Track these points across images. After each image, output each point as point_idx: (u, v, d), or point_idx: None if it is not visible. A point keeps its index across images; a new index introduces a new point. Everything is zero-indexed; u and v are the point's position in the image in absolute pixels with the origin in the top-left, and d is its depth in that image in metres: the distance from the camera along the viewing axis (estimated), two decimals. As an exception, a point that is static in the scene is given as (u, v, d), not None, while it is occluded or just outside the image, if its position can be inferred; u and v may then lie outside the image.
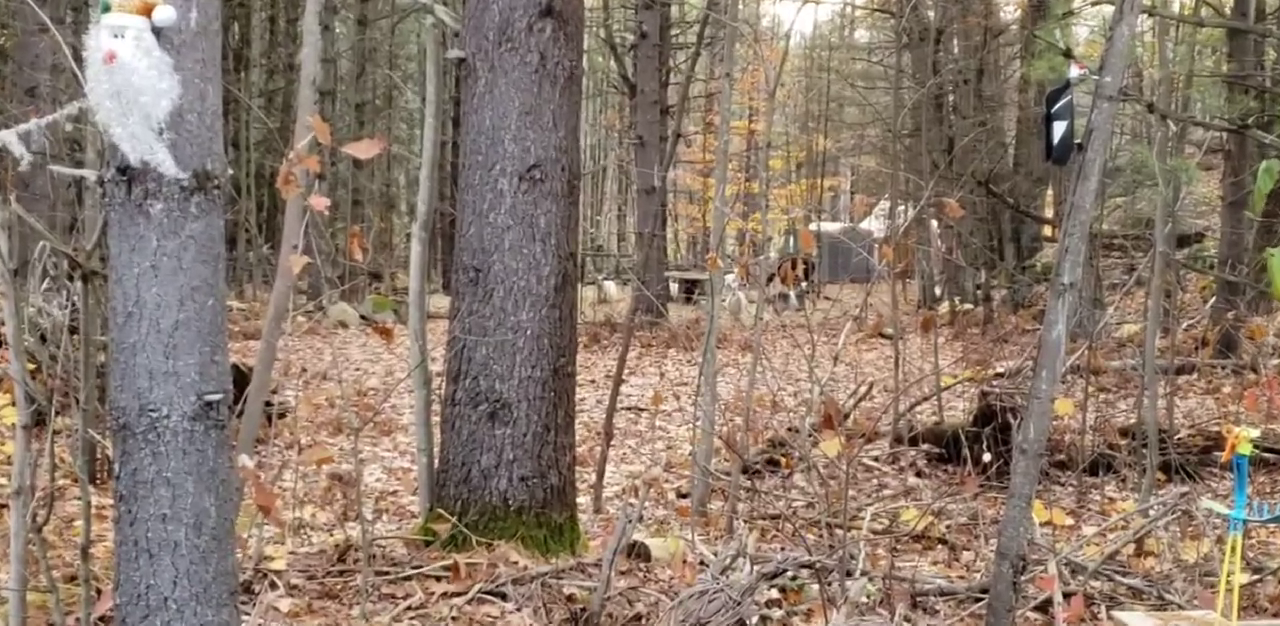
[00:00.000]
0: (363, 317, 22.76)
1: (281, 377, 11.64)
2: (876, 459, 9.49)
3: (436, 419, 6.50)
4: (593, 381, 14.84)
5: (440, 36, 6.59)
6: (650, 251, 20.29)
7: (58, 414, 4.33)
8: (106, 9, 2.71)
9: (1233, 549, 3.95)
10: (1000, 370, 10.84)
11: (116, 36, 2.69)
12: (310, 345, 17.59)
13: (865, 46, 42.17)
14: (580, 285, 8.85)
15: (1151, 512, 6.23)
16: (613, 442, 8.81)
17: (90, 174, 2.93)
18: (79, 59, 2.79)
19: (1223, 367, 14.00)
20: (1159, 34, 11.35)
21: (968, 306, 24.65)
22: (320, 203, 4.11)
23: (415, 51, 36.41)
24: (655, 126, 24.56)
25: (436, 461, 6.35)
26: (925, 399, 10.54)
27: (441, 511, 6.14)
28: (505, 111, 6.11)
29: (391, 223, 34.46)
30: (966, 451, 8.08)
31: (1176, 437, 8.98)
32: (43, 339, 7.72)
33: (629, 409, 12.57)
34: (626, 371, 14.15)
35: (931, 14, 25.18)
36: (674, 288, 31.13)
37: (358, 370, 15.31)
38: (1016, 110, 28.33)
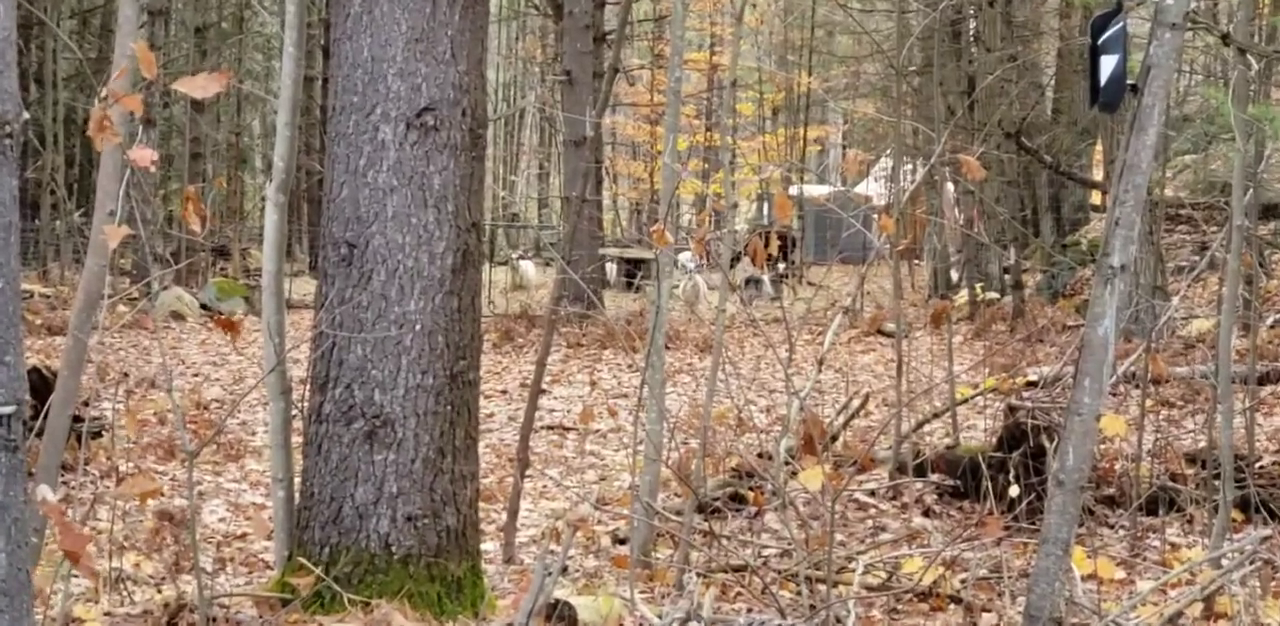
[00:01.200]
0: (203, 307, 22.68)
1: (96, 385, 11.58)
2: (872, 493, 9.55)
3: (298, 440, 6.49)
4: (504, 392, 14.85)
5: (304, -61, 6.58)
6: (580, 222, 20.28)
7: None
8: None
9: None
10: (1033, 378, 10.92)
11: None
12: (134, 343, 17.49)
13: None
14: (488, 265, 8.83)
15: (1225, 562, 6.29)
16: (529, 472, 8.82)
17: None
18: None
19: (1319, 375, 14.15)
20: (1239, -57, 11.44)
21: (992, 295, 24.84)
22: (145, 156, 4.09)
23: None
24: (588, 59, 24.56)
25: (298, 495, 6.34)
26: (936, 415, 10.60)
27: (303, 560, 6.12)
28: (389, 38, 6.10)
29: (242, 183, 34.38)
30: (988, 484, 8.14)
31: (1258, 465, 9.07)
32: None
33: (551, 428, 12.58)
34: (548, 378, 14.14)
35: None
36: (611, 269, 31.18)
37: (196, 376, 15.25)
38: (1056, 41, 28.56)
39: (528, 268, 32.10)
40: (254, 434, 11.54)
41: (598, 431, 12.30)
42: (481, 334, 6.56)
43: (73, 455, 8.37)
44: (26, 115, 2.93)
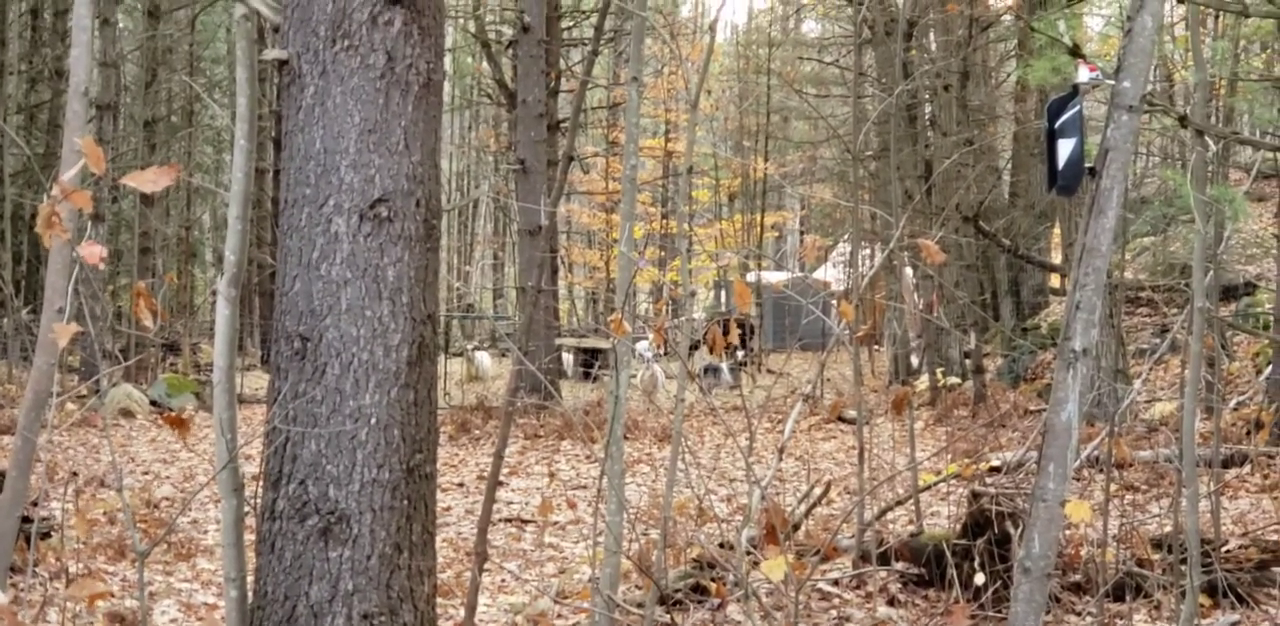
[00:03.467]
0: (153, 404, 22.58)
1: (45, 485, 11.50)
2: (836, 582, 9.53)
3: (250, 538, 6.45)
4: (460, 485, 14.80)
5: (255, 32, 6.60)
6: (536, 312, 20.33)
7: None
8: None
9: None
10: (996, 464, 10.95)
11: None
12: (83, 441, 17.39)
13: (815, 42, 42.74)
14: (443, 357, 8.79)
15: (1194, 649, 6.30)
16: (487, 566, 8.77)
17: None
18: None
19: (1284, 457, 14.22)
20: (1192, 26, 11.55)
21: (953, 380, 24.92)
22: (94, 253, 4.09)
23: (223, 52, 36.47)
24: (541, 147, 24.69)
25: (251, 595, 6.29)
26: (899, 503, 10.61)
27: (258, 661, 6.07)
28: (341, 129, 6.12)
29: (192, 277, 34.32)
30: (953, 571, 8.14)
31: (1225, 550, 9.10)
32: None
33: (509, 521, 12.54)
34: (506, 471, 14.10)
35: (900, 0, 25.60)
36: (568, 360, 31.20)
37: (147, 474, 15.15)
38: (1012, 125, 28.86)
39: (483, 359, 32.13)
40: (205, 532, 11.47)
41: (556, 523, 12.26)
42: (438, 426, 6.54)
43: (21, 556, 8.31)
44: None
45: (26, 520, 7.16)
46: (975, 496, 9.11)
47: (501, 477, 8.80)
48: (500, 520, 12.28)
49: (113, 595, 8.63)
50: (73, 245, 4.34)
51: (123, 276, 29.26)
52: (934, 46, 27.02)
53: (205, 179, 34.73)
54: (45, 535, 9.60)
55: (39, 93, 30.81)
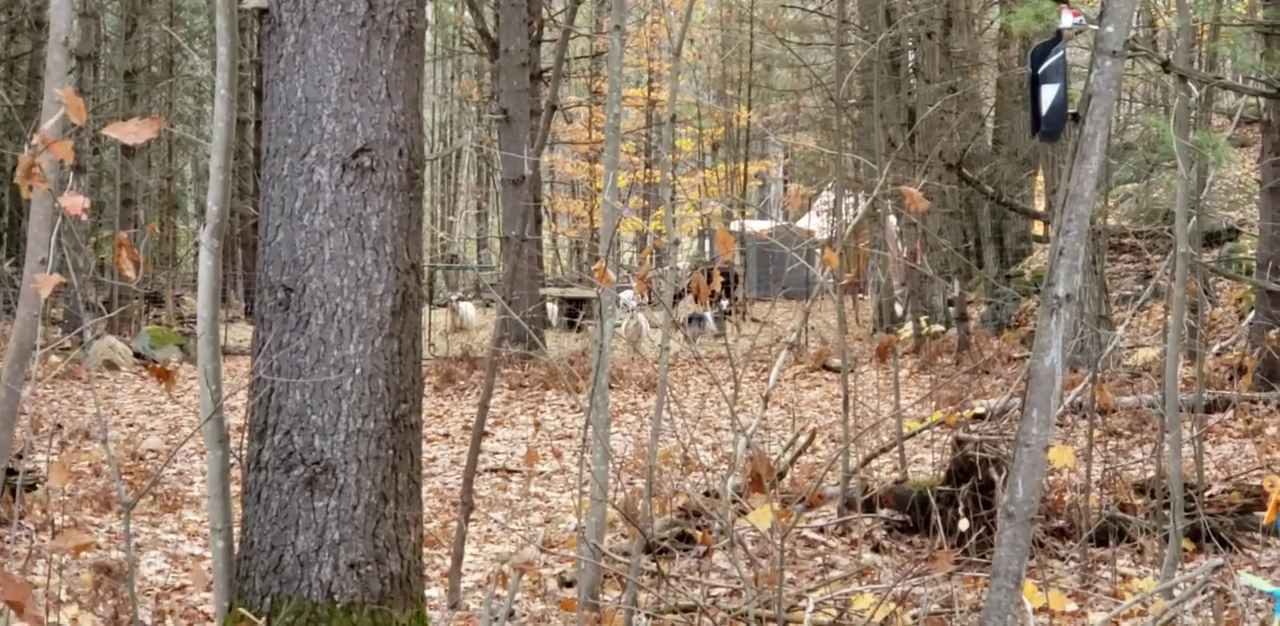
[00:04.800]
0: (137, 356, 22.55)
1: (29, 437, 11.49)
2: (821, 530, 9.56)
3: (236, 489, 6.45)
4: (446, 435, 14.80)
5: (234, -20, 6.56)
6: (520, 262, 20.28)
7: None
8: None
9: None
10: (980, 410, 10.97)
11: None
12: (67, 393, 17.37)
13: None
14: (428, 307, 8.79)
15: (1177, 592, 6.33)
16: (473, 516, 8.79)
17: None
18: None
19: (1265, 402, 14.25)
20: (1176, -30, 11.55)
21: (937, 328, 24.95)
22: (76, 203, 4.07)
23: (203, 1, 36.25)
24: (525, 97, 24.61)
25: (237, 545, 6.30)
26: (884, 450, 10.63)
27: (244, 611, 6.08)
28: (323, 78, 6.09)
29: (174, 229, 34.23)
30: (937, 518, 8.16)
31: (1208, 494, 9.13)
32: None
33: (495, 471, 12.55)
34: (490, 421, 14.12)
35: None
36: (553, 309, 31.19)
37: (131, 426, 15.15)
38: (995, 72, 28.78)
39: (468, 309, 32.10)
40: (191, 484, 11.47)
41: (542, 473, 12.28)
42: (422, 377, 6.54)
43: (7, 509, 8.32)
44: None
45: (11, 473, 7.16)
46: (959, 443, 9.13)
47: (486, 428, 8.82)
48: (486, 470, 12.28)
49: (99, 546, 8.64)
50: (54, 196, 4.33)
51: (105, 228, 29.17)
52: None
53: (186, 130, 34.56)
54: (30, 487, 9.59)
55: (19, 44, 30.63)
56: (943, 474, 9.27)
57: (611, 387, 8.24)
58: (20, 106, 27.76)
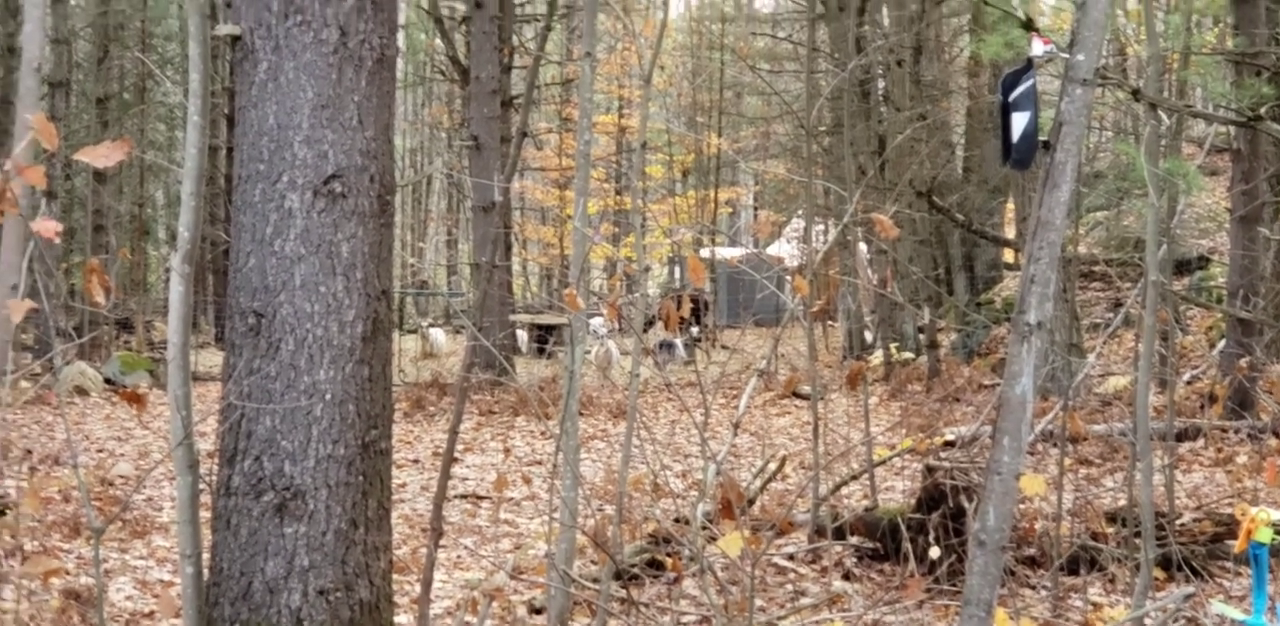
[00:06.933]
0: (107, 381, 22.49)
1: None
2: (792, 557, 9.55)
3: (206, 515, 6.43)
4: (415, 461, 14.78)
5: (207, 7, 6.55)
6: (490, 288, 20.27)
7: None
8: None
9: (1250, 665, 4.04)
10: (950, 438, 10.98)
11: None
12: (37, 419, 17.31)
13: (768, 18, 42.73)
14: (398, 333, 8.79)
15: (1149, 621, 6.34)
16: (443, 542, 8.77)
17: None
18: None
19: (1236, 431, 14.28)
20: (1145, 0, 11.61)
21: (907, 355, 24.99)
22: (48, 228, 4.06)
23: (175, 28, 36.22)
24: (495, 123, 24.62)
25: (207, 571, 6.27)
26: (854, 477, 10.64)
27: (214, 638, 6.06)
28: (295, 105, 6.09)
29: (146, 254, 34.14)
30: (908, 545, 8.17)
31: (1178, 523, 9.16)
32: None
33: (464, 497, 12.53)
34: (460, 447, 14.09)
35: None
36: (523, 336, 31.20)
37: (101, 451, 15.09)
38: (965, 100, 28.91)
39: (438, 335, 32.11)
40: (161, 509, 11.43)
41: (512, 499, 12.26)
42: (393, 403, 6.53)
43: (-25, 534, 8.27)
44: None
45: (-21, 498, 7.13)
46: (930, 470, 9.14)
47: (456, 454, 8.80)
48: (455, 496, 12.27)
49: (68, 572, 8.59)
50: (26, 221, 4.32)
51: (76, 254, 29.07)
52: (886, 21, 27.03)
53: (158, 156, 34.50)
54: (0, 513, 9.56)
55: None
56: (913, 501, 9.28)
57: (581, 414, 8.24)
58: (-10, 132, 27.69)
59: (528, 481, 12.92)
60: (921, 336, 24.61)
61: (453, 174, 40.66)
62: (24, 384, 16.24)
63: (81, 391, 21.44)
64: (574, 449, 7.61)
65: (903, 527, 8.53)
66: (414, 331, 33.43)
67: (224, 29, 6.30)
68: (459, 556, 10.11)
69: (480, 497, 12.53)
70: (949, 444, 10.58)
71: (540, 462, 14.46)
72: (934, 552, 7.62)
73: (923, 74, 25.14)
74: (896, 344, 25.33)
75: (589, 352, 22.85)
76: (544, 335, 31.10)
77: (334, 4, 6.10)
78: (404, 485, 12.86)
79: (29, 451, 13.66)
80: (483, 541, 10.68)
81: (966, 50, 26.86)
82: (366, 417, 6.18)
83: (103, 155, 4.14)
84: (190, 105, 6.54)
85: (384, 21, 6.29)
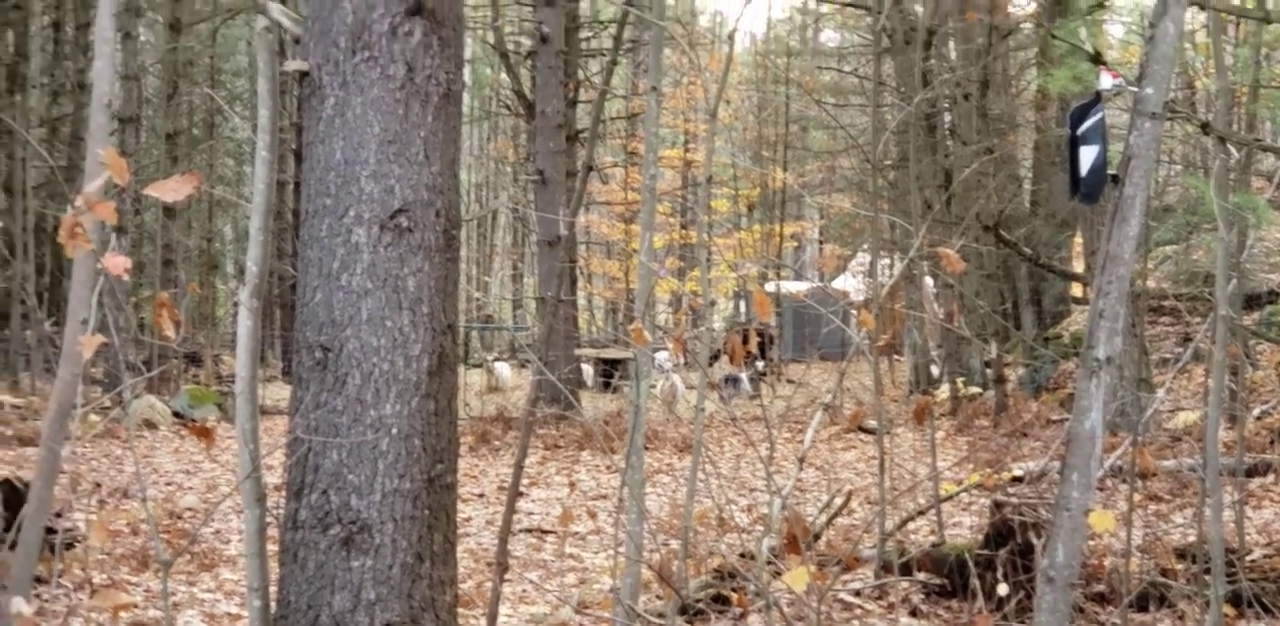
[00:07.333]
0: (176, 415, 22.62)
1: (69, 496, 11.51)
2: (858, 593, 9.51)
3: (273, 548, 6.45)
4: (481, 495, 14.79)
5: (276, 44, 6.60)
6: (555, 322, 20.31)
7: None
8: None
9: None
10: (1018, 473, 10.92)
11: None
12: (107, 452, 17.41)
13: (834, 51, 42.73)
14: (463, 368, 8.83)
15: (1218, 658, 6.27)
16: (508, 576, 8.77)
17: None
18: None
19: (1308, 467, 14.16)
20: (1214, 33, 11.50)
21: (974, 390, 24.87)
22: (118, 263, 4.09)
23: (244, 64, 36.56)
24: (560, 158, 24.71)
25: (274, 604, 6.29)
26: (920, 513, 10.58)
27: (281, 672, 6.07)
28: (362, 140, 6.12)
29: (214, 289, 34.37)
30: (976, 582, 8.12)
31: (1249, 559, 9.07)
32: None
33: (530, 531, 12.53)
34: (526, 481, 14.10)
35: (920, 8, 25.56)
36: (588, 370, 31.21)
37: (170, 485, 15.17)
38: (1033, 133, 28.80)
39: (503, 369, 32.18)
40: (228, 542, 11.48)
41: (577, 534, 12.26)
42: (458, 437, 6.54)
43: (46, 567, 8.33)
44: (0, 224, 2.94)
45: (50, 531, 7.17)
46: (998, 506, 9.09)
47: (522, 488, 8.80)
48: (521, 530, 12.27)
49: (136, 606, 8.64)
50: (97, 256, 4.35)
51: (145, 288, 29.31)
52: (953, 54, 26.98)
53: (226, 191, 34.78)
54: (69, 546, 9.61)
55: (61, 105, 30.85)
56: (981, 537, 9.23)
57: (647, 448, 8.22)
58: (63, 167, 27.96)
59: (593, 515, 12.92)
60: (988, 371, 24.50)
61: (518, 208, 40.78)
62: (94, 417, 16.36)
63: (150, 425, 21.57)
64: (639, 483, 7.60)
65: (970, 564, 8.49)
66: (479, 365, 33.52)
67: (292, 65, 6.34)
68: (524, 590, 10.11)
69: (545, 532, 12.53)
70: (1017, 479, 10.52)
71: (605, 497, 14.45)
72: (1002, 589, 7.57)
73: (990, 107, 25.08)
74: (963, 378, 25.23)
75: (654, 387, 22.85)
76: (609, 369, 31.11)
77: (401, 40, 6.13)
78: (469, 519, 12.87)
79: (98, 484, 13.75)
80: (548, 575, 10.67)
81: (1034, 83, 26.77)
82: (432, 452, 6.19)
83: (172, 190, 4.18)
84: (259, 140, 6.58)
85: (450, 57, 6.32)
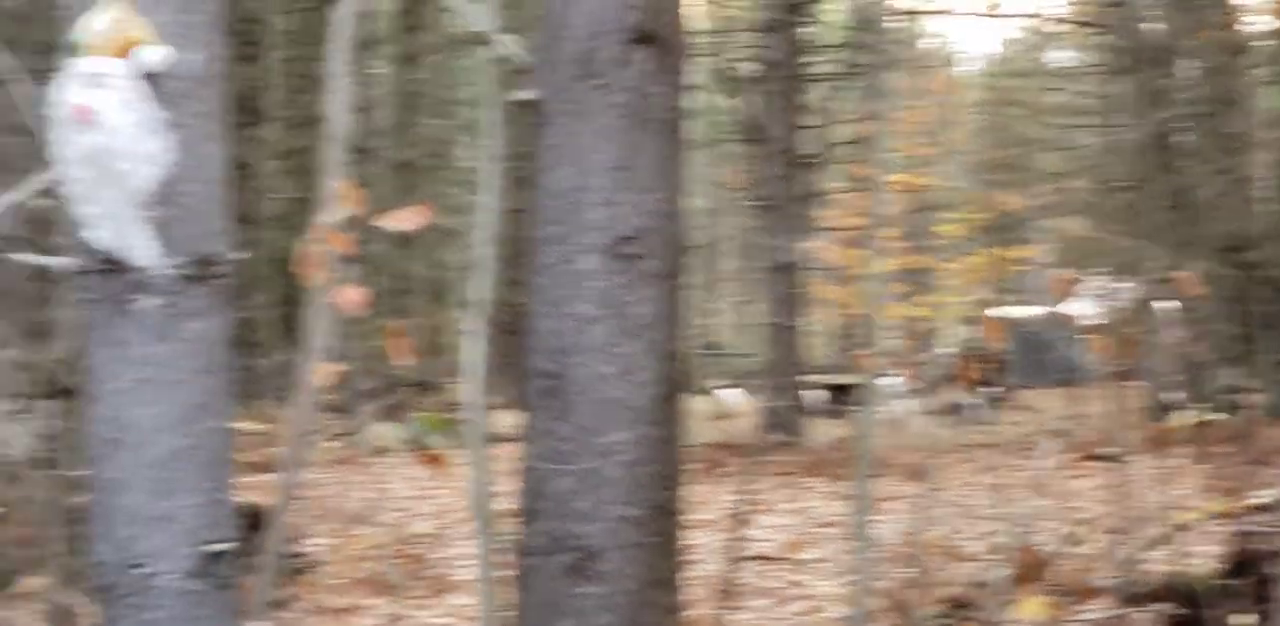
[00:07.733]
0: (408, 442, 22.94)
1: (306, 521, 11.73)
2: (1094, 623, 9.36)
3: (503, 573, 6.51)
4: (707, 522, 14.79)
5: (503, 74, 6.68)
6: (782, 349, 20.29)
7: (25, 572, 4.41)
8: (78, 51, 2.76)
9: None
10: (1264, 500, 10.68)
11: (91, 86, 2.74)
12: (342, 478, 17.71)
13: (1064, 72, 42.19)
14: (689, 395, 8.84)
15: None
16: (735, 603, 8.76)
17: (62, 263, 3.00)
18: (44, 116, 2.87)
19: None
20: None
21: (1214, 416, 24.32)
22: (353, 297, 4.16)
23: (473, 94, 37.03)
24: (786, 183, 24.67)
25: (505, 629, 6.35)
26: (1159, 542, 10.38)
27: (512, 697, 6.13)
28: (589, 167, 6.16)
29: (445, 317, 34.82)
30: (1216, 612, 7.95)
31: None
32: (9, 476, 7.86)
33: (756, 558, 12.49)
34: (754, 508, 14.07)
35: (1154, 26, 25.13)
36: (816, 396, 31.07)
37: (401, 510, 15.38)
38: (1271, 152, 28.16)
39: (730, 396, 32.14)
40: (460, 568, 11.61)
41: (805, 561, 12.21)
42: (684, 464, 6.56)
43: (284, 591, 8.51)
44: (241, 255, 3.02)
45: (291, 556, 7.33)
46: (1239, 535, 8.90)
47: (749, 515, 8.79)
48: (747, 557, 12.25)
49: (369, 631, 8.79)
50: (331, 287, 4.45)
51: (379, 317, 29.84)
52: (1185, 73, 26.50)
53: (455, 220, 35.25)
54: (304, 571, 9.80)
55: (295, 138, 31.53)
56: (1222, 567, 9.04)
57: (877, 475, 8.18)
58: (297, 199, 28.55)
59: (821, 543, 12.86)
60: (1229, 397, 23.96)
61: (743, 234, 40.79)
62: (329, 444, 16.66)
63: (383, 451, 21.91)
64: (868, 510, 7.56)
65: (1211, 594, 8.32)
66: (705, 392, 33.54)
67: (520, 94, 6.42)
68: (752, 619, 10.10)
69: (773, 559, 12.50)
70: (1260, 507, 10.28)
71: (833, 524, 14.37)
72: (1245, 619, 7.41)
73: (1225, 127, 24.59)
74: (1202, 404, 24.70)
75: (883, 412, 22.70)
76: (837, 395, 30.97)
77: (628, 68, 6.17)
78: (696, 546, 12.87)
79: (334, 510, 13.99)
80: (776, 603, 10.65)
81: (1272, 102, 26.21)
82: (658, 479, 6.20)
83: (404, 220, 4.25)
84: (486, 169, 6.68)
85: (675, 83, 6.34)
